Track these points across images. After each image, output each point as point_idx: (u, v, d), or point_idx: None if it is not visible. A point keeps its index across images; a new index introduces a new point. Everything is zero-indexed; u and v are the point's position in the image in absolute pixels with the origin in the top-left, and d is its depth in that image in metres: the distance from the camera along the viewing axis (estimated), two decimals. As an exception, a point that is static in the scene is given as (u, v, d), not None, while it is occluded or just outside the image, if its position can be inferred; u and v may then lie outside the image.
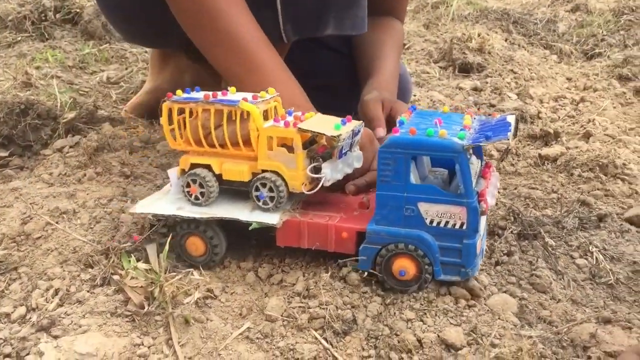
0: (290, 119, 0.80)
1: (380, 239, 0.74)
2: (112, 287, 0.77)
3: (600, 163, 1.22)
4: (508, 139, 0.70)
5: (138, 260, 0.79)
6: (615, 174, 1.21)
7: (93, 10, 2.05)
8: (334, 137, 0.75)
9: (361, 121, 0.84)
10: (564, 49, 2.18)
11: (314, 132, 0.77)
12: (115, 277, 0.77)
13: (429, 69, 1.98)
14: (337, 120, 0.79)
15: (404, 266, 0.74)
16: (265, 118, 0.80)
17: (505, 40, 2.20)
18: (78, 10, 2.08)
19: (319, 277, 0.79)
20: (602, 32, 2.32)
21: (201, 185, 0.81)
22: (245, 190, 0.81)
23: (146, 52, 1.90)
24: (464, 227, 0.71)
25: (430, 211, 0.72)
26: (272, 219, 0.80)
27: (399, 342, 0.71)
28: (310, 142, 0.81)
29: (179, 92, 0.82)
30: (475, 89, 1.79)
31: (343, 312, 0.74)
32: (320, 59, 1.35)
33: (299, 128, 0.76)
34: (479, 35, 2.03)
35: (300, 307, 0.76)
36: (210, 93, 0.79)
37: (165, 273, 0.77)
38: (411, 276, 0.74)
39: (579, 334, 0.74)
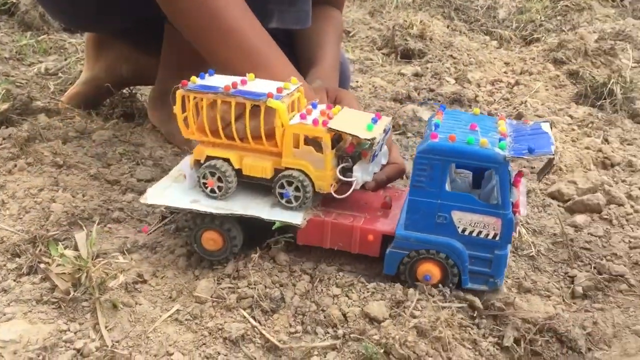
0: (316, 113, 0.76)
1: (409, 245, 0.73)
2: (38, 276, 0.76)
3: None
4: (552, 154, 0.69)
5: (66, 248, 0.79)
6: (542, 153, 1.25)
7: (30, 0, 2.00)
8: (369, 139, 0.72)
9: (390, 117, 0.80)
10: (504, 35, 2.24)
11: (347, 133, 0.73)
12: (42, 265, 0.76)
13: (372, 56, 2.00)
14: (368, 117, 0.76)
15: (430, 271, 0.73)
16: (289, 110, 0.76)
17: (447, 27, 2.24)
18: (14, 1, 2.02)
19: (248, 258, 0.81)
20: (540, 17, 2.39)
21: (220, 179, 0.77)
22: (261, 184, 0.78)
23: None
24: (497, 237, 0.70)
25: (463, 220, 0.70)
26: (296, 218, 0.77)
27: (325, 317, 0.73)
28: (337, 138, 0.78)
29: (193, 78, 0.78)
30: (416, 74, 1.82)
31: (271, 290, 0.76)
32: None
33: (329, 128, 0.73)
34: (420, 22, 2.06)
35: (229, 287, 0.77)
36: (230, 82, 0.75)
37: (93, 259, 0.77)
38: (435, 282, 0.73)
39: (498, 304, 0.78)
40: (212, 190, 0.79)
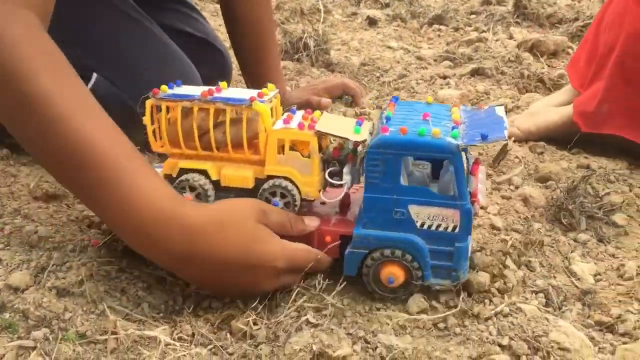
0: (298, 118, 0.73)
1: (368, 243, 0.70)
2: None
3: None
4: (505, 139, 0.67)
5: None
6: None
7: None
8: (360, 141, 0.70)
9: (372, 121, 0.77)
10: None
11: (336, 136, 0.70)
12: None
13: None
14: (351, 121, 0.73)
15: (393, 273, 0.69)
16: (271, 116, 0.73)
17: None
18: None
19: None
20: None
21: (198, 195, 0.72)
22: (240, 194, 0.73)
23: None
24: (456, 229, 0.68)
25: (421, 214, 0.68)
26: None
27: None
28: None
29: (163, 87, 0.73)
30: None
31: None
32: None
33: (318, 131, 0.70)
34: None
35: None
36: (207, 89, 0.72)
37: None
38: (400, 283, 0.70)
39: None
40: None
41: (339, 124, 0.73)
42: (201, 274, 0.66)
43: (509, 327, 0.63)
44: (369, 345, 0.63)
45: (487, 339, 0.62)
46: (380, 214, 0.69)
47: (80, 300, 0.65)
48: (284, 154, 0.71)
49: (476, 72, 1.48)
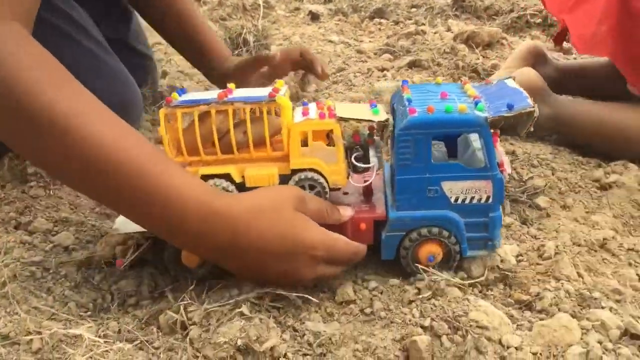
0: (314, 108, 0.72)
1: (404, 225, 0.71)
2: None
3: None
4: (532, 107, 0.67)
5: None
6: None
7: None
8: (383, 121, 0.70)
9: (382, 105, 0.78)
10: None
11: (359, 119, 0.70)
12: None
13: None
14: (365, 105, 0.73)
15: (431, 251, 0.71)
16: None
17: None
18: None
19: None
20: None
21: None
22: None
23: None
24: (489, 200, 0.69)
25: (454, 189, 0.69)
26: None
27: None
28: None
29: (174, 95, 0.70)
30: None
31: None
32: None
33: (340, 117, 0.69)
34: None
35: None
36: (222, 91, 0.70)
37: None
38: (439, 260, 0.71)
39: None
40: None
41: (355, 109, 0.73)
42: (243, 262, 0.66)
43: (431, 309, 0.65)
44: (297, 333, 0.64)
45: (409, 321, 0.64)
46: (414, 194, 0.70)
47: (3, 302, 0.64)
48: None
49: (413, 64, 1.50)
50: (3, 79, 0.59)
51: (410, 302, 0.67)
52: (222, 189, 0.69)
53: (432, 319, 0.64)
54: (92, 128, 0.60)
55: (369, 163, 0.70)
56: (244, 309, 0.63)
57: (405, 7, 2.17)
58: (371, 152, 0.71)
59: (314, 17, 2.07)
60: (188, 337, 0.61)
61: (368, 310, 0.67)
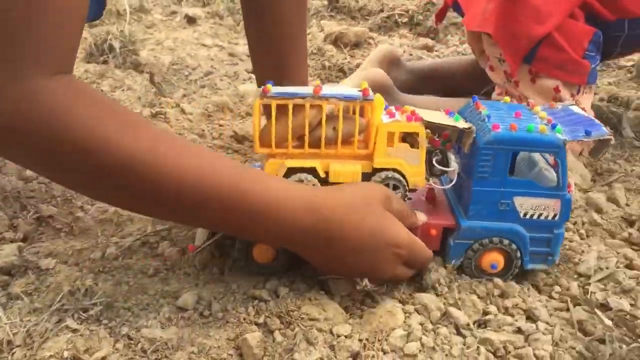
0: (397, 112, 0.73)
1: (474, 235, 0.73)
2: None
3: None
4: (609, 135, 0.72)
5: None
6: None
7: None
8: (467, 129, 0.72)
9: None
10: None
11: (446, 125, 0.72)
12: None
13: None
14: (441, 112, 0.75)
15: (495, 259, 0.74)
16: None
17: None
18: None
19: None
20: None
21: None
22: None
23: None
24: (556, 217, 0.73)
25: (525, 204, 0.72)
26: None
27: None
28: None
29: (269, 86, 0.69)
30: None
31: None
32: None
33: (427, 122, 0.71)
34: None
35: None
36: (316, 86, 0.69)
37: None
38: (500, 269, 0.74)
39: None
40: None
41: (437, 115, 0.75)
42: (330, 254, 0.67)
43: (266, 307, 0.68)
44: (131, 342, 0.64)
45: (244, 319, 0.66)
46: (486, 206, 0.73)
47: None
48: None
49: (282, 66, 1.53)
50: (78, 141, 0.56)
51: (246, 300, 0.69)
52: (309, 183, 0.71)
53: (266, 316, 0.66)
54: (180, 163, 0.60)
55: (448, 167, 0.73)
56: (70, 322, 0.62)
57: (282, 9, 2.20)
58: (451, 157, 0.74)
59: (190, 20, 2.05)
60: (14, 358, 0.60)
61: (207, 313, 0.68)
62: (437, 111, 0.76)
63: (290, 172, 0.71)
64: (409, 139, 0.73)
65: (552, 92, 1.13)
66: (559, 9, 1.09)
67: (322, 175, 0.71)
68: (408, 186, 0.73)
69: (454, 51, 1.76)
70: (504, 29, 1.12)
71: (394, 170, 0.72)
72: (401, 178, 0.73)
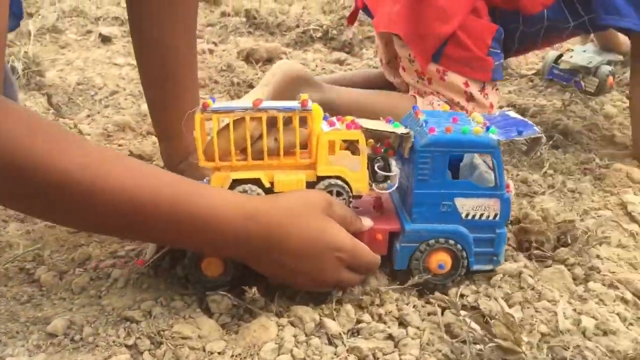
0: (337, 121, 0.75)
1: (419, 237, 0.74)
2: None
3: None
4: (541, 133, 0.74)
5: None
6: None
7: None
8: (405, 134, 0.73)
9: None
10: None
11: (384, 131, 0.73)
12: None
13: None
14: (381, 121, 0.76)
15: (443, 259, 0.75)
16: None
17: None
18: None
19: None
20: None
21: None
22: None
23: None
24: (497, 217, 0.74)
25: (466, 205, 0.74)
26: None
27: None
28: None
29: (209, 101, 0.70)
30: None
31: None
32: None
33: (366, 129, 0.72)
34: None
35: None
36: (255, 99, 0.71)
37: None
38: (448, 269, 0.75)
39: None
40: None
41: (376, 123, 0.76)
42: (275, 263, 0.67)
43: (137, 328, 0.67)
44: (-6, 372, 0.62)
45: (114, 342, 0.65)
46: (429, 208, 0.74)
47: None
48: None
49: (192, 83, 1.52)
50: (7, 157, 0.55)
51: (118, 322, 0.68)
52: (253, 193, 0.72)
53: (137, 337, 0.65)
54: (115, 178, 0.60)
55: (390, 172, 0.74)
56: None
57: (202, 26, 2.20)
58: (393, 162, 0.75)
59: (105, 39, 2.02)
60: None
61: (77, 337, 0.67)
62: (377, 120, 0.78)
63: (235, 183, 0.72)
64: (350, 147, 0.75)
65: (462, 86, 1.17)
66: (462, 6, 1.13)
67: (267, 185, 0.73)
68: (352, 192, 0.75)
69: (365, 64, 1.79)
70: (411, 30, 1.16)
71: (337, 177, 0.74)
72: (344, 185, 0.74)
